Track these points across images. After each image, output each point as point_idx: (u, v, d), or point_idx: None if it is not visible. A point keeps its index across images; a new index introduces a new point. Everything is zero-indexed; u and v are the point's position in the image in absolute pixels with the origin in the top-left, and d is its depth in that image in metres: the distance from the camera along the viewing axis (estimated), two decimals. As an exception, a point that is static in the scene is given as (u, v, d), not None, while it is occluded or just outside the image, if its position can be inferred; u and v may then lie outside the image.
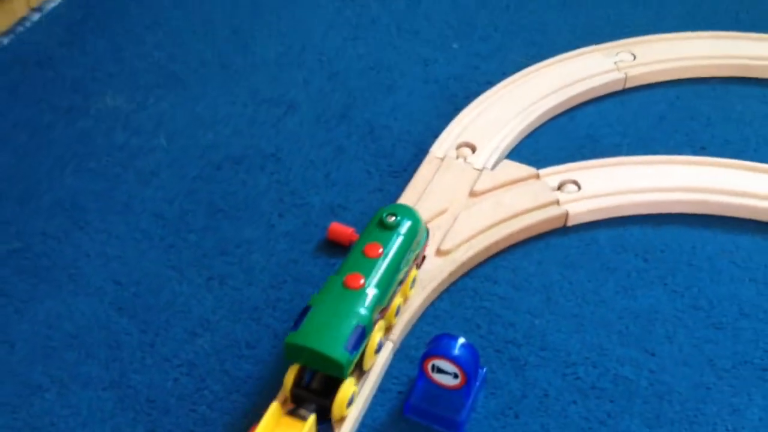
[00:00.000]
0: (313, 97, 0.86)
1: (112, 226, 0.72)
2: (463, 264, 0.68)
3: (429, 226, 0.70)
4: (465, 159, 0.77)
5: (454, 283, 0.68)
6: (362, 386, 0.60)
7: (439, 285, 0.67)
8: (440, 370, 0.57)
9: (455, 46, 0.93)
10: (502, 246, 0.71)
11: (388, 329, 0.64)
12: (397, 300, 0.64)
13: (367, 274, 0.61)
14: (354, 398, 0.59)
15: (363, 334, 0.58)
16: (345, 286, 0.60)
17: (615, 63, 0.87)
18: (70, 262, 0.69)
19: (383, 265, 0.62)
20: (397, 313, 0.64)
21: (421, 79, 0.88)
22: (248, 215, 0.73)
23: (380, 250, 0.62)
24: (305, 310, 0.59)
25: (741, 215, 0.73)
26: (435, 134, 0.80)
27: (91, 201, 0.75)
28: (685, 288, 0.68)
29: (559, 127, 0.83)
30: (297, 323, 0.58)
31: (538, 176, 0.75)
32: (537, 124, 0.83)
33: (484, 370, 0.61)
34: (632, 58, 0.88)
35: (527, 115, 0.81)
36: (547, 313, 0.66)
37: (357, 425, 0.60)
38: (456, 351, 0.57)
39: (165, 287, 0.68)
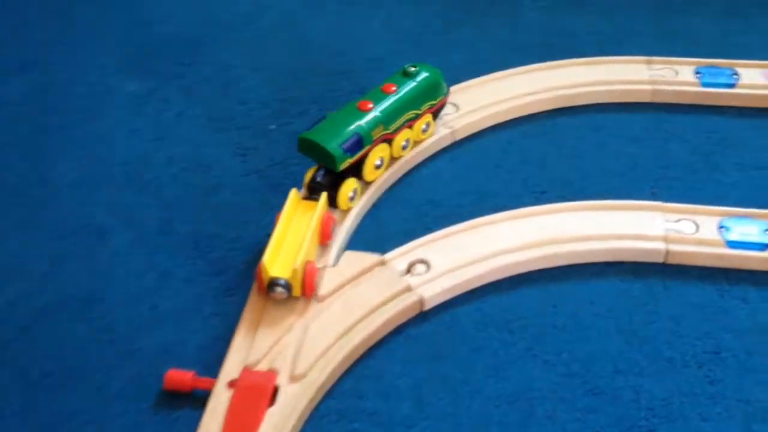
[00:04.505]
0: (126, 217, 0.77)
1: None
2: (322, 385, 0.62)
3: (276, 348, 0.63)
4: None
5: (316, 409, 0.61)
6: None
7: (301, 416, 0.60)
8: None
9: (272, 127, 0.87)
10: (361, 351, 0.65)
11: (395, 159, 0.80)
12: (406, 134, 0.79)
13: (377, 103, 0.77)
14: (356, 196, 0.75)
15: (359, 141, 0.74)
16: (357, 107, 0.76)
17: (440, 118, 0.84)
18: None
19: (392, 99, 0.77)
20: (404, 148, 0.79)
21: (242, 171, 0.81)
22: (71, 382, 0.63)
23: (394, 89, 0.78)
24: (321, 119, 0.76)
25: (595, 260, 0.71)
26: (268, 234, 0.73)
27: None
28: (556, 355, 0.64)
29: (397, 197, 0.79)
30: (312, 125, 0.75)
31: (384, 262, 0.70)
32: (374, 199, 0.78)
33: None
34: (455, 109, 0.85)
35: (362, 193, 0.77)
36: (422, 419, 0.61)
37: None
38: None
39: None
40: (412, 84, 0.79)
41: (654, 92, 0.87)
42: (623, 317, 0.67)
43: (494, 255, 0.70)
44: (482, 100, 0.86)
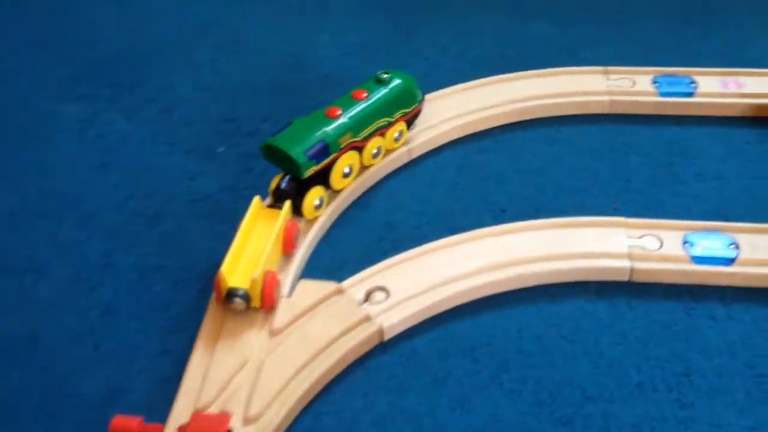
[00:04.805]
0: (66, 250, 0.72)
1: None
2: (279, 426, 0.58)
3: (229, 388, 0.59)
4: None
5: (272, 452, 0.58)
6: None
7: (255, 462, 0.57)
8: None
9: (221, 149, 0.83)
10: (319, 387, 0.62)
11: (365, 167, 0.78)
12: (377, 142, 0.77)
13: (346, 109, 0.74)
14: (322, 204, 0.73)
15: (325, 148, 0.72)
16: (325, 114, 0.74)
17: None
18: None
19: (362, 106, 0.75)
20: (375, 156, 0.77)
21: (189, 198, 0.78)
22: (7, 431, 0.59)
23: (365, 95, 0.76)
24: (287, 124, 0.73)
25: (558, 280, 0.69)
26: (218, 265, 0.70)
27: None
28: (522, 383, 0.62)
29: (352, 220, 0.75)
30: (276, 132, 0.73)
31: (341, 291, 0.67)
32: (329, 223, 0.75)
33: None
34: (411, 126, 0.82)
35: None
36: (384, 457, 0.58)
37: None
38: None
39: None
40: (383, 91, 0.77)
41: (612, 103, 0.85)
42: (590, 339, 0.65)
43: (455, 279, 0.67)
44: (438, 116, 0.83)
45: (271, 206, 0.72)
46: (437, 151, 0.82)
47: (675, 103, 0.85)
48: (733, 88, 0.85)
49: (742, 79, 0.86)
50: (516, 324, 0.66)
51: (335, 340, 0.63)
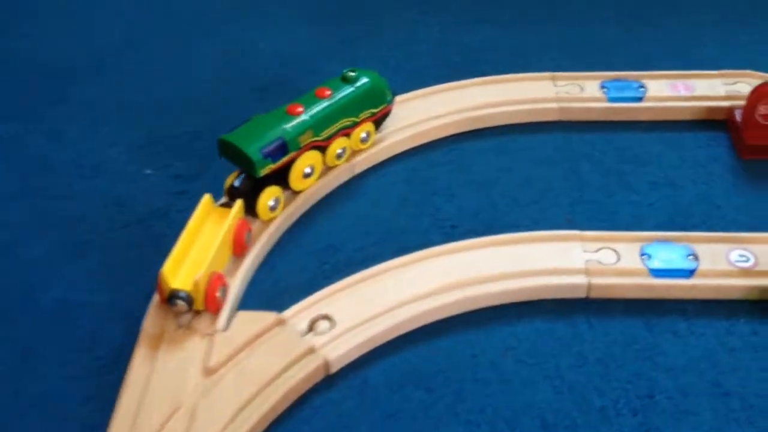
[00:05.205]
0: (-21, 288, 0.67)
1: None
2: (216, 476, 0.54)
3: (162, 435, 0.55)
4: (188, 325, 0.62)
5: (210, 505, 0.53)
6: None
7: None
8: None
9: (148, 171, 0.77)
10: (260, 429, 0.57)
11: (330, 168, 0.74)
12: (342, 143, 0.73)
13: (308, 107, 0.71)
14: (278, 205, 0.69)
15: (283, 146, 0.68)
16: (286, 111, 0.71)
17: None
18: None
19: (325, 104, 0.72)
20: (339, 156, 0.74)
21: (116, 225, 0.72)
22: None
23: (328, 93, 0.73)
24: (245, 120, 0.70)
25: (513, 300, 0.65)
26: (147, 299, 0.64)
27: None
28: (479, 412, 0.58)
29: (293, 243, 0.71)
30: (234, 128, 0.69)
31: (282, 322, 0.62)
32: (269, 247, 0.70)
33: None
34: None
35: (254, 241, 0.69)
36: (334, 504, 0.53)
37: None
38: None
39: None
40: (349, 89, 0.74)
41: (561, 110, 0.82)
42: (548, 363, 0.61)
43: (404, 303, 0.63)
44: (382, 127, 0.79)
45: (223, 205, 0.68)
46: (382, 166, 0.78)
47: (624, 109, 0.82)
48: (682, 91, 0.83)
49: (692, 82, 0.84)
50: (471, 349, 0.62)
51: (277, 376, 0.58)
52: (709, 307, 0.64)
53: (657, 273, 0.65)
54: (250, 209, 0.69)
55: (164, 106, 0.86)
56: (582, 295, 0.65)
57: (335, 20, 0.99)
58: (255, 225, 0.69)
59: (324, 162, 0.73)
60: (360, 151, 0.76)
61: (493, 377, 0.60)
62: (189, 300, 0.60)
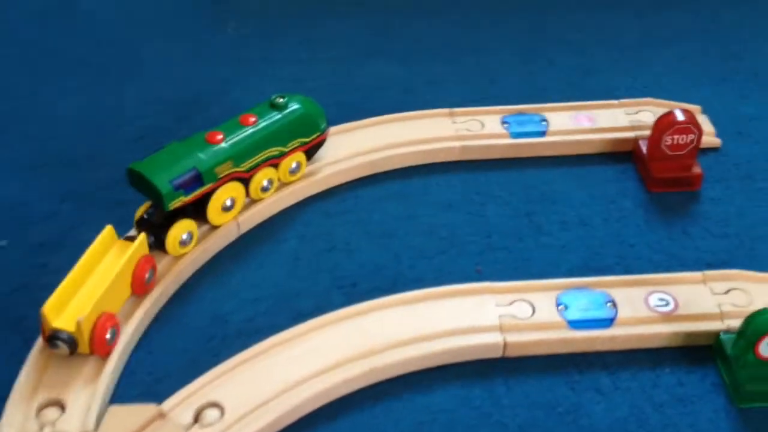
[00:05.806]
0: None
1: None
2: None
3: None
4: (53, 427, 0.53)
5: None
6: None
7: None
8: None
9: (3, 243, 0.67)
10: None
11: (255, 201, 0.69)
12: (268, 174, 0.68)
13: (229, 135, 0.66)
14: (192, 240, 0.64)
15: (197, 178, 0.63)
16: (204, 139, 0.65)
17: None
18: None
19: (248, 132, 0.67)
20: (265, 189, 0.69)
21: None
22: None
23: (253, 120, 0.68)
24: (160, 147, 0.65)
25: (424, 366, 0.59)
26: (5, 395, 0.55)
27: None
28: (395, 503, 0.51)
29: (173, 316, 0.62)
30: (147, 156, 0.64)
31: (162, 414, 0.54)
32: (145, 325, 0.61)
33: None
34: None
35: (124, 319, 0.60)
36: None
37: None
38: None
39: None
40: (276, 116, 0.69)
41: (463, 149, 0.77)
42: (469, 435, 0.55)
43: (304, 381, 0.56)
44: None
45: (128, 239, 0.63)
46: (272, 221, 0.71)
47: (528, 144, 0.77)
48: (585, 123, 0.79)
49: (594, 113, 0.81)
50: (382, 426, 0.55)
51: (158, 483, 0.50)
52: (633, 357, 0.60)
53: (575, 324, 0.60)
54: (161, 244, 0.63)
55: (22, 166, 0.75)
56: (498, 354, 0.60)
57: (208, 62, 0.92)
58: (130, 301, 0.61)
59: (248, 195, 0.68)
60: (289, 183, 0.71)
61: (408, 457, 0.54)
62: (71, 342, 0.54)
